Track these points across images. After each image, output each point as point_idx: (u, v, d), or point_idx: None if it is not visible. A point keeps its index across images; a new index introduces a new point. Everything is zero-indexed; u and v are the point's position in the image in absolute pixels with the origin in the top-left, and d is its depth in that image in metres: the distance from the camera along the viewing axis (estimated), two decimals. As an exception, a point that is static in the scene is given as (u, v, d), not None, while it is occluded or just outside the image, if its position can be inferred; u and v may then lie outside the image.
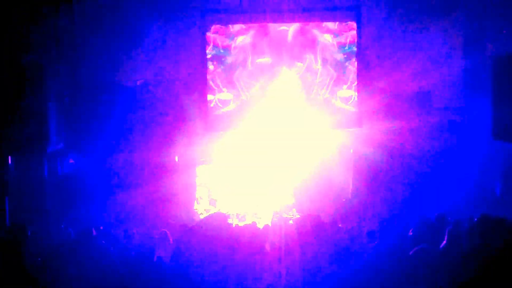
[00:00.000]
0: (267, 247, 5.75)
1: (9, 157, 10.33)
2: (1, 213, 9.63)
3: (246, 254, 5.33)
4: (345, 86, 12.65)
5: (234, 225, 9.53)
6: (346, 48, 12.62)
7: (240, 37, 12.63)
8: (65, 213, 10.78)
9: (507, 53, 9.28)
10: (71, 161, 12.10)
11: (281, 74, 12.69)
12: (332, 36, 12.62)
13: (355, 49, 12.61)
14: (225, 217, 5.96)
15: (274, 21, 12.59)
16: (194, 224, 5.41)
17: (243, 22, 12.64)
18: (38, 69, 10.66)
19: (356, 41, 12.58)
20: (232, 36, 12.63)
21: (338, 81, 12.65)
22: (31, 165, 10.95)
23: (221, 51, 12.65)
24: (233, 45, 12.65)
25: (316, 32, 12.61)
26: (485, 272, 4.70)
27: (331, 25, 12.61)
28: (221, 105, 12.71)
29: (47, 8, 11.21)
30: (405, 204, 11.41)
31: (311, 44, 12.59)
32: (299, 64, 12.66)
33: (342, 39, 12.62)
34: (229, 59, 12.67)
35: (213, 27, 12.60)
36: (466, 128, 12.16)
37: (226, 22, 12.64)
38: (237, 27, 12.63)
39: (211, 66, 12.66)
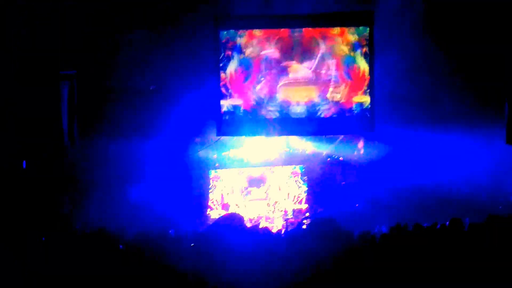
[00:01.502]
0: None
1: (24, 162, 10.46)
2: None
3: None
4: (360, 92, 12.60)
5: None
6: (361, 53, 12.57)
7: (253, 42, 12.64)
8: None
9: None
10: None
11: (292, 70, 12.63)
12: (347, 41, 12.59)
13: (368, 54, 12.56)
14: (240, 218, 5.88)
15: (287, 26, 12.60)
16: (206, 228, 5.35)
17: (256, 28, 12.64)
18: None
19: (370, 46, 12.54)
20: (244, 42, 12.65)
21: (353, 86, 12.60)
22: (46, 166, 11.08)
23: (233, 57, 12.66)
24: (245, 51, 12.66)
25: (330, 36, 12.58)
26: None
27: (345, 30, 12.58)
28: (232, 110, 12.72)
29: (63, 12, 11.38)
30: (420, 208, 11.38)
31: (325, 48, 12.56)
32: (310, 61, 12.59)
33: (356, 44, 12.58)
34: (241, 65, 12.67)
35: (225, 33, 12.62)
36: (480, 132, 12.08)
37: (238, 28, 12.66)
38: (249, 32, 12.64)
39: (223, 73, 12.67)
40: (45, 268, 5.06)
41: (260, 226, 11.53)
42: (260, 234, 6.10)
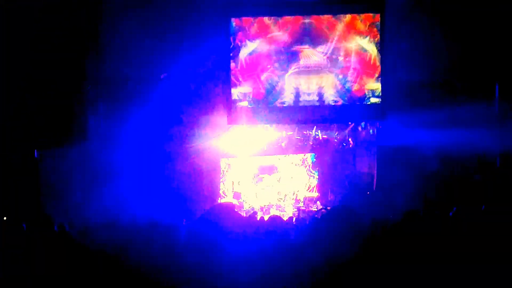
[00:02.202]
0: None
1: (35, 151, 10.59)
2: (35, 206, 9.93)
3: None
4: (371, 79, 12.52)
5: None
6: (372, 41, 12.46)
7: (263, 29, 12.57)
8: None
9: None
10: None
11: (304, 56, 12.52)
12: (357, 28, 12.49)
13: (379, 41, 12.45)
14: (232, 206, 5.85)
15: (297, 13, 12.50)
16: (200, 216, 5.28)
17: (267, 15, 12.56)
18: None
19: (381, 34, 12.44)
20: (255, 29, 12.58)
21: (364, 74, 12.52)
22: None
23: (244, 45, 12.59)
24: (255, 39, 12.58)
25: (341, 23, 12.48)
26: None
27: (356, 17, 12.48)
28: (242, 98, 12.67)
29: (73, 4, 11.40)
30: (431, 198, 11.34)
31: (336, 35, 12.46)
32: (322, 47, 12.44)
33: (367, 31, 12.47)
34: (251, 52, 12.61)
35: (236, 21, 12.55)
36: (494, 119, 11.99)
37: (249, 15, 12.58)
38: (260, 19, 12.56)
39: (233, 62, 12.61)
40: None
41: (271, 215, 11.56)
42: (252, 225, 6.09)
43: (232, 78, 12.61)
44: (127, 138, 12.13)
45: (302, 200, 13.36)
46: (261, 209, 12.95)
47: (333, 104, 12.55)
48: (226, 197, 13.25)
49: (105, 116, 12.33)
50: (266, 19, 12.52)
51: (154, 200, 11.61)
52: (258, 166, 13.52)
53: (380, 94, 12.54)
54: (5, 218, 7.68)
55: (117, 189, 11.66)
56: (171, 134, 12.54)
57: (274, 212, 12.76)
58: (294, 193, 13.42)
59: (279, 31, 12.47)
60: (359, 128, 13.57)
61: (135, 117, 12.24)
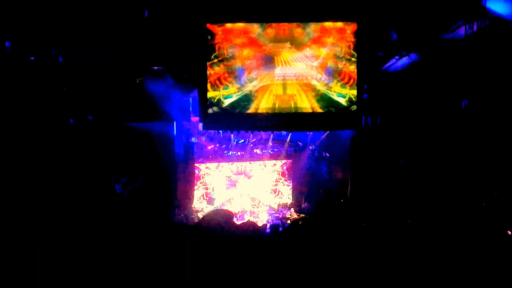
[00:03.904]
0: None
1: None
2: None
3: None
4: (347, 87, 12.56)
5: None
6: (349, 49, 12.53)
7: (238, 33, 12.57)
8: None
9: None
10: None
11: (281, 61, 12.52)
12: (334, 35, 12.56)
13: (356, 49, 12.52)
14: (229, 214, 5.84)
15: (275, 20, 12.52)
16: (197, 222, 5.24)
17: (242, 21, 12.55)
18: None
19: (357, 41, 12.50)
20: (230, 35, 12.57)
21: (341, 81, 12.57)
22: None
23: (220, 50, 12.57)
24: (231, 44, 12.57)
25: (317, 31, 12.55)
26: None
27: (333, 24, 12.54)
28: (217, 104, 12.63)
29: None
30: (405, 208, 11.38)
31: (314, 43, 12.51)
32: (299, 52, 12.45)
33: (344, 40, 12.53)
34: (228, 58, 12.58)
35: (210, 26, 12.52)
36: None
37: (226, 21, 12.57)
38: (236, 26, 12.56)
39: (209, 67, 12.56)
40: None
41: (245, 221, 11.55)
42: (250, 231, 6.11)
43: (208, 83, 12.56)
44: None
45: (276, 206, 13.38)
46: (235, 215, 12.92)
47: (310, 111, 12.58)
48: (201, 202, 13.21)
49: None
50: (243, 25, 12.52)
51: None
52: (232, 172, 13.50)
53: (356, 102, 12.58)
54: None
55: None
56: (145, 137, 12.47)
57: (248, 218, 12.75)
58: (268, 200, 13.42)
59: (257, 37, 12.49)
60: (334, 136, 13.63)
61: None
